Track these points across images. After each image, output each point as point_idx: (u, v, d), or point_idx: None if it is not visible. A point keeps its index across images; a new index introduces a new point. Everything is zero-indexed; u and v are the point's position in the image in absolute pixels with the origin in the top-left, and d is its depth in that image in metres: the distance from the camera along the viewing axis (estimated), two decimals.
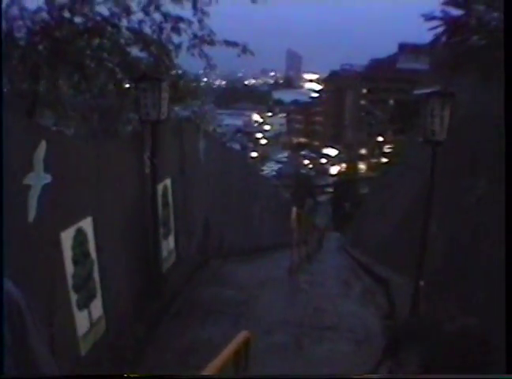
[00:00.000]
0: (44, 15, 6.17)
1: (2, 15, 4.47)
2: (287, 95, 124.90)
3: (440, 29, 12.48)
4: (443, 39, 12.68)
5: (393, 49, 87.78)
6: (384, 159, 61.68)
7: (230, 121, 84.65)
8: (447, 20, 12.45)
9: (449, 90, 6.66)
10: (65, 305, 4.85)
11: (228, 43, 7.34)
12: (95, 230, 5.35)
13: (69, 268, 4.93)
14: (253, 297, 8.18)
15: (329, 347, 6.66)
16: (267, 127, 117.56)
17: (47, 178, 4.47)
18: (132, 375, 5.61)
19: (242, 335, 4.06)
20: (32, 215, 4.29)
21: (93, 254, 5.36)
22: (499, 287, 5.42)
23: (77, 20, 6.44)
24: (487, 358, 4.88)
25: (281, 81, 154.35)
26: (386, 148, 66.11)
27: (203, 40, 7.14)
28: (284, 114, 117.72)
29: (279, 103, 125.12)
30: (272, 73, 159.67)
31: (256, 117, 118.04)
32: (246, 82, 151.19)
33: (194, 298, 7.73)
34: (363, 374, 6.18)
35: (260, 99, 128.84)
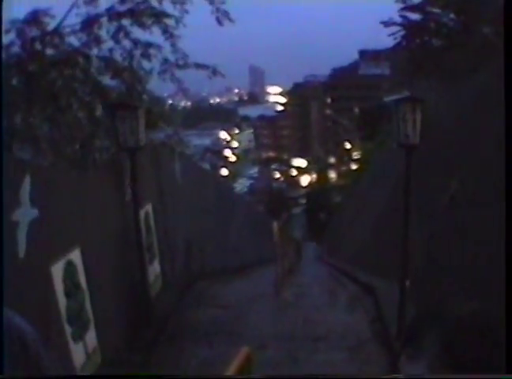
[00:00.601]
0: (16, 48, 6.18)
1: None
2: (253, 111, 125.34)
3: (400, 34, 12.80)
4: (403, 43, 12.99)
5: (353, 56, 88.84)
6: (354, 167, 62.20)
7: (198, 141, 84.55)
8: (406, 24, 12.77)
9: (414, 94, 6.83)
10: (60, 339, 4.84)
11: (199, 65, 7.43)
12: (84, 262, 5.36)
13: (62, 300, 4.93)
14: (242, 314, 8.21)
15: (323, 357, 6.71)
16: (235, 144, 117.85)
17: (34, 213, 4.49)
18: (132, 375, 5.64)
19: (242, 353, 4.07)
20: (22, 250, 4.29)
21: (84, 285, 5.36)
22: (478, 283, 5.58)
23: (49, 51, 6.47)
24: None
25: (246, 97, 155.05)
26: (355, 156, 66.68)
27: (174, 64, 7.22)
28: (252, 130, 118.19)
29: (245, 119, 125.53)
30: (237, 90, 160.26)
31: (224, 135, 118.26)
32: (211, 101, 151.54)
33: (185, 320, 7.73)
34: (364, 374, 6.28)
35: (226, 116, 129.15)
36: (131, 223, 6.83)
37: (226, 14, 7.17)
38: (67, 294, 5.03)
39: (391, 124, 6.94)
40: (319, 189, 68.04)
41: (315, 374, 6.34)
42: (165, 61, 7.19)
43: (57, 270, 4.90)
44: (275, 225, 10.94)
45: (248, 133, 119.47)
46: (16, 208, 4.29)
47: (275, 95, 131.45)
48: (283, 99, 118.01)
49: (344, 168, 76.19)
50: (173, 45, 7.08)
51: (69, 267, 5.13)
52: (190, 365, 6.37)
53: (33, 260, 4.43)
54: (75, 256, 5.25)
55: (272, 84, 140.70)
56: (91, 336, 5.46)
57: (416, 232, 7.41)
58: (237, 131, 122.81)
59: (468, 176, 7.22)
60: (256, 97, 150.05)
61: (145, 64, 7.12)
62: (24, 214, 4.38)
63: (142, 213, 7.37)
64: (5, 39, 6.01)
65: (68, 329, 5.01)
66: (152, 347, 6.72)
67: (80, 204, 5.60)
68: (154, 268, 7.92)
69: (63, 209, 5.16)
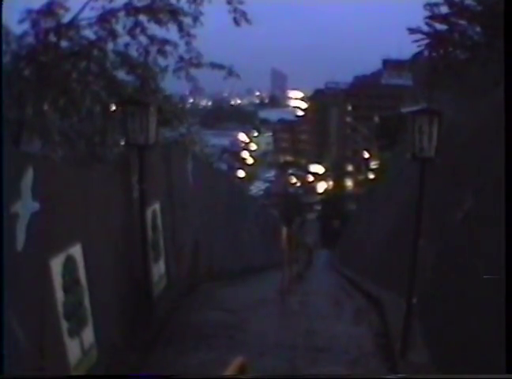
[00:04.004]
0: (30, 39, 6.15)
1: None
2: (273, 114, 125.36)
3: (423, 43, 12.65)
4: (426, 53, 12.84)
5: (377, 65, 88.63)
6: (370, 176, 62.00)
7: (216, 141, 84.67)
8: (431, 33, 12.62)
9: (432, 106, 6.69)
10: (56, 334, 4.77)
11: (214, 65, 7.37)
12: (84, 257, 5.28)
13: (60, 295, 4.85)
14: (245, 320, 8.10)
15: (323, 368, 6.58)
16: (254, 146, 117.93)
17: (35, 207, 4.42)
18: (132, 375, 5.57)
19: (237, 363, 3.95)
20: (20, 243, 4.23)
21: (83, 281, 5.28)
22: (489, 301, 5.43)
23: (63, 43, 6.44)
24: None
25: (267, 100, 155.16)
26: (373, 165, 66.47)
27: (189, 63, 7.16)
28: (271, 133, 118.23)
29: (265, 122, 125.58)
30: (258, 93, 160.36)
31: (242, 136, 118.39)
32: (231, 102, 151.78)
33: (186, 322, 7.64)
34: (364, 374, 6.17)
35: (246, 118, 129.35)
36: (137, 220, 6.77)
37: (243, 14, 7.09)
38: (65, 289, 4.95)
39: (407, 135, 6.80)
40: (335, 196, 67.96)
41: (314, 374, 6.26)
42: (181, 59, 7.14)
43: (56, 264, 4.83)
44: (284, 230, 10.81)
45: (267, 136, 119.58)
46: (17, 201, 4.22)
47: (296, 100, 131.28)
48: (303, 104, 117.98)
49: (360, 177, 76.06)
50: (189, 43, 7.02)
51: (69, 262, 5.05)
52: (187, 367, 6.28)
53: (32, 253, 4.36)
54: (75, 251, 5.17)
55: (294, 89, 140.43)
56: (88, 333, 5.38)
57: (426, 247, 7.26)
58: (256, 134, 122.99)
59: (483, 193, 7.06)
60: (277, 101, 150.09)
61: (161, 61, 7.07)
62: (25, 206, 4.31)
63: (149, 211, 7.30)
64: (19, 29, 5.98)
65: (64, 324, 4.93)
66: (151, 346, 6.64)
67: (84, 199, 5.52)
68: (159, 268, 7.84)
69: (66, 203, 5.09)
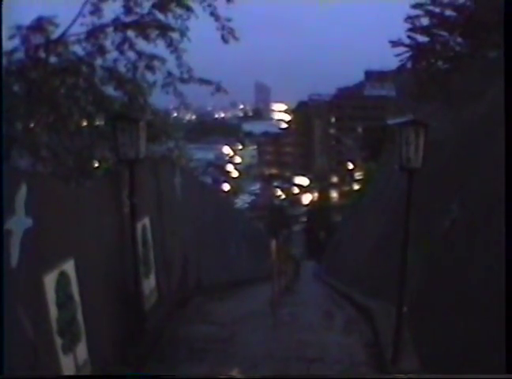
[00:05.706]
0: (19, 55, 6.19)
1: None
2: (257, 127, 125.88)
3: (406, 55, 12.85)
4: (409, 64, 13.04)
5: (359, 76, 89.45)
6: (355, 187, 62.31)
7: (201, 155, 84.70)
8: (413, 45, 12.82)
9: (418, 117, 6.78)
10: (50, 350, 4.76)
11: (202, 81, 7.43)
12: (77, 273, 5.28)
13: (54, 311, 4.85)
14: (236, 332, 8.11)
15: None
16: (238, 159, 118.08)
17: (28, 223, 4.43)
18: (132, 375, 5.55)
19: None
20: (14, 260, 4.23)
21: (77, 297, 5.29)
22: (478, 307, 5.51)
23: (52, 59, 6.47)
24: None
25: (251, 113, 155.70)
26: (357, 175, 66.82)
27: (178, 78, 7.23)
28: (255, 146, 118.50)
29: (249, 135, 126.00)
30: (242, 106, 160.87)
31: (227, 150, 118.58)
32: (215, 116, 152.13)
33: (178, 336, 7.63)
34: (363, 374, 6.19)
35: (230, 131, 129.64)
36: (128, 235, 6.77)
37: (231, 32, 7.17)
38: (59, 305, 4.95)
39: (394, 146, 6.89)
40: (320, 207, 68.09)
41: (314, 375, 6.28)
42: (169, 74, 7.21)
43: (50, 280, 4.84)
44: (273, 243, 10.86)
45: (251, 149, 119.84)
46: (11, 217, 4.23)
47: (279, 113, 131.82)
48: (287, 117, 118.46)
49: (345, 188, 76.34)
50: (178, 58, 7.09)
51: (63, 278, 5.05)
52: None
53: (26, 269, 4.37)
54: (69, 267, 5.18)
55: (278, 101, 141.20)
56: (82, 349, 5.37)
57: (414, 256, 7.35)
58: (240, 147, 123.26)
59: (469, 200, 7.17)
60: (261, 113, 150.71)
61: (149, 76, 7.13)
62: (19, 223, 4.33)
63: (139, 226, 7.31)
64: (9, 45, 6.00)
65: (58, 341, 4.93)
66: (143, 361, 6.62)
67: (76, 215, 5.54)
68: (149, 282, 7.84)
69: (59, 219, 5.10)
